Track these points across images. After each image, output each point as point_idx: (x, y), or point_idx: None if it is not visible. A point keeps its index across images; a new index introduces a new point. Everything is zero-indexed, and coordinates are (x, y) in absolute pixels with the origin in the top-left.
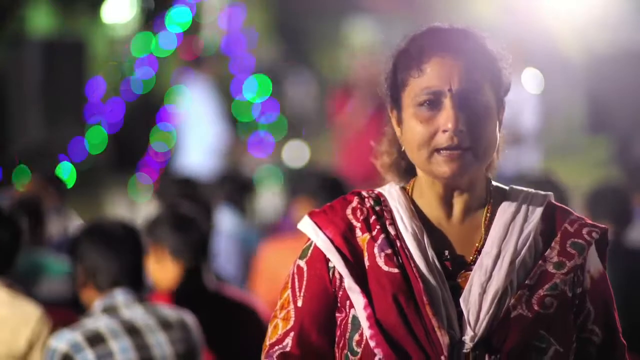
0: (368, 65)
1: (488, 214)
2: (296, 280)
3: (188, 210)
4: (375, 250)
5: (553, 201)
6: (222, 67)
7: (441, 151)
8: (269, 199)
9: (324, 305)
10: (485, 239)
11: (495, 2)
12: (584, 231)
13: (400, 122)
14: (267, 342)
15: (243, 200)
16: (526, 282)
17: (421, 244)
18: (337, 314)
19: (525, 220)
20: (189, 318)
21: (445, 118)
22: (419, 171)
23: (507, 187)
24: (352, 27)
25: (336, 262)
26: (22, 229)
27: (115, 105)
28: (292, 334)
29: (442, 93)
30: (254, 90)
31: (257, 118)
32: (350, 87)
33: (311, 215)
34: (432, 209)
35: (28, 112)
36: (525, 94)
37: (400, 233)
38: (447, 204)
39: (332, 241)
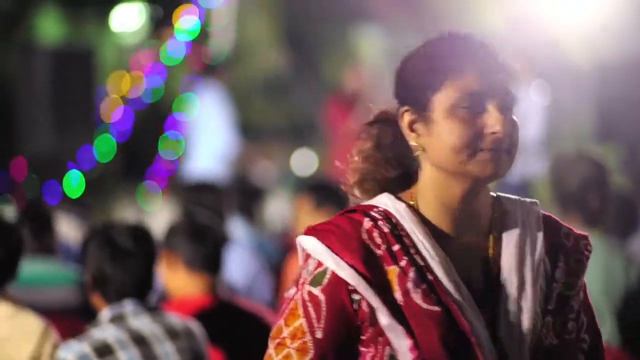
0: (361, 76)
1: (495, 233)
2: (310, 309)
3: (205, 219)
4: (410, 285)
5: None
6: (232, 74)
7: (488, 150)
8: (277, 207)
9: (346, 339)
10: (498, 262)
11: (503, 11)
12: (580, 245)
13: (427, 123)
14: None
15: (253, 209)
16: (548, 307)
17: (451, 275)
18: (363, 348)
19: (532, 239)
20: (195, 326)
21: (494, 120)
22: (427, 180)
23: (499, 196)
24: (358, 35)
25: (371, 298)
26: (23, 238)
27: (124, 113)
28: None
29: (486, 97)
30: None
31: None
32: (350, 96)
33: (319, 236)
34: (441, 225)
35: (37, 121)
36: (531, 103)
37: (428, 263)
38: (456, 217)
39: (359, 273)
